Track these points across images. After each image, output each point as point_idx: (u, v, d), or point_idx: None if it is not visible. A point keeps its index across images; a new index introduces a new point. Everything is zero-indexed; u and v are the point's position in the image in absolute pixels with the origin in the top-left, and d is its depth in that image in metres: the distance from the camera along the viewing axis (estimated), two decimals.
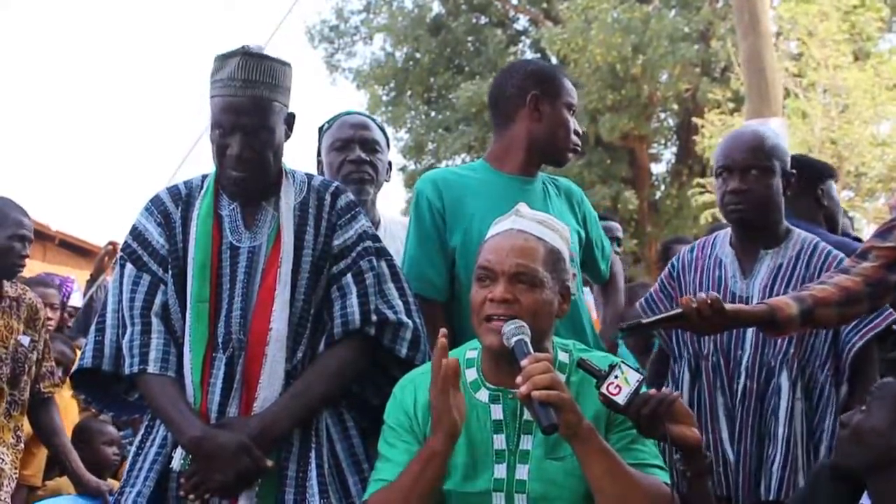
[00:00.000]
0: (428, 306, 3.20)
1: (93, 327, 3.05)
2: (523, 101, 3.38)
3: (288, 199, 2.98)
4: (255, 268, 2.93)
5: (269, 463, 2.79)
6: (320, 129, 3.84)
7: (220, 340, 2.88)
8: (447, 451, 2.50)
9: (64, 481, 4.85)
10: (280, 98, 2.94)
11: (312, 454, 2.87)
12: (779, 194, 3.42)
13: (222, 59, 2.91)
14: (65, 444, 4.67)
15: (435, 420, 2.50)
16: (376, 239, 3.07)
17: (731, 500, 3.33)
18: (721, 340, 3.38)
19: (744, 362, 3.35)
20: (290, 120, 3.01)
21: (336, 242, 2.99)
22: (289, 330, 2.89)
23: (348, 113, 3.82)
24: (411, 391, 2.71)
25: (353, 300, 2.94)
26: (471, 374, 2.70)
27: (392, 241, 3.55)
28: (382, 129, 3.83)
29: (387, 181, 3.83)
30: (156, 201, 3.06)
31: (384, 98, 24.22)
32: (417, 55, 23.68)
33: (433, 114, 23.75)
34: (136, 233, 3.04)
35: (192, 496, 2.79)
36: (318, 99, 41.23)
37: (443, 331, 2.49)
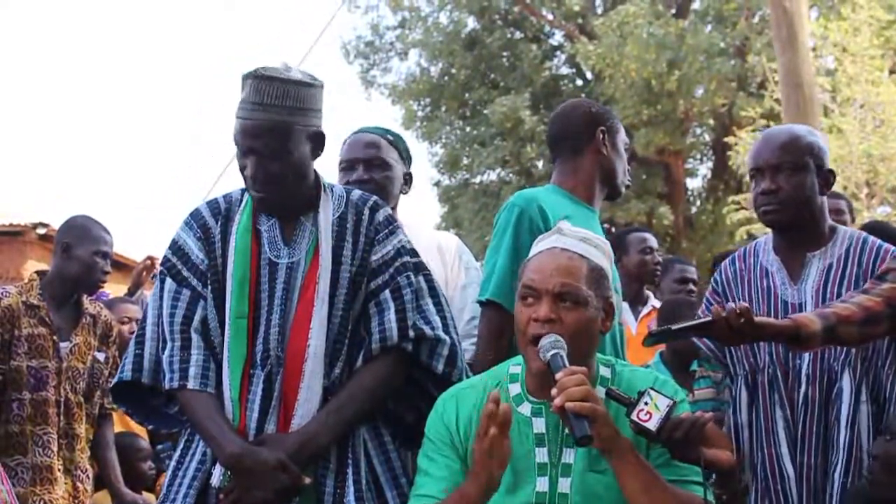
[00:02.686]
0: (503, 318, 3.25)
1: (132, 340, 3.06)
2: (592, 136, 3.62)
3: (326, 214, 2.98)
4: (293, 284, 2.92)
5: (307, 480, 2.78)
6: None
7: (258, 357, 2.88)
8: (484, 498, 2.49)
9: (101, 496, 4.89)
10: (300, 119, 2.89)
11: (350, 470, 2.87)
12: (814, 193, 3.29)
13: (243, 80, 2.90)
14: (112, 460, 4.78)
15: (476, 468, 2.48)
16: (414, 254, 3.06)
17: None
18: (777, 351, 3.26)
19: (804, 370, 3.23)
20: (316, 138, 2.97)
21: (374, 258, 2.98)
22: (326, 346, 2.88)
23: (362, 129, 3.84)
24: (453, 405, 2.71)
25: (391, 316, 2.93)
26: (514, 389, 2.70)
27: None
28: (396, 143, 3.81)
29: (404, 193, 3.83)
30: (196, 215, 3.06)
31: (419, 113, 24.28)
32: (452, 70, 23.73)
33: (468, 129, 23.78)
34: (175, 247, 3.04)
35: None
36: (353, 114, 41.39)
37: (493, 394, 2.45)
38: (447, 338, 2.97)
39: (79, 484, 4.46)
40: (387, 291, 2.95)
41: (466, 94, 23.62)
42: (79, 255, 4.49)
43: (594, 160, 3.62)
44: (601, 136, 3.61)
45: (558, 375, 2.43)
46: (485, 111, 22.47)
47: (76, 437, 4.46)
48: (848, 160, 15.29)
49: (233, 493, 2.78)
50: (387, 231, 3.02)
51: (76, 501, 4.43)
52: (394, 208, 3.73)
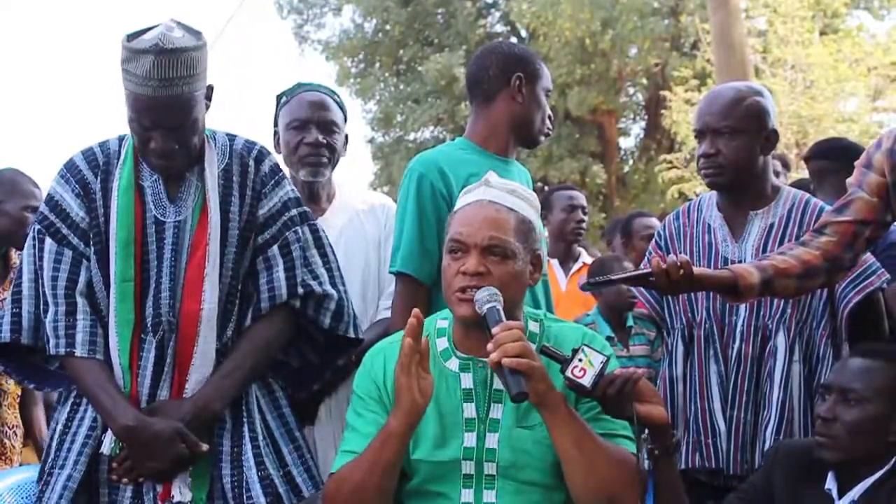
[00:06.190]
0: (415, 288, 3.21)
1: (8, 298, 2.93)
2: (507, 82, 3.39)
3: (212, 170, 2.87)
4: (181, 244, 2.83)
5: (205, 447, 2.75)
6: (279, 97, 3.79)
7: (148, 322, 2.79)
8: (406, 432, 2.49)
9: (27, 452, 4.85)
10: (199, 85, 2.78)
11: (245, 428, 2.82)
12: (754, 155, 3.31)
13: (134, 52, 2.70)
14: (39, 416, 4.72)
15: (396, 398, 2.49)
16: (298, 203, 2.99)
17: (722, 472, 3.26)
18: (714, 306, 3.30)
19: (738, 326, 3.27)
20: (209, 94, 2.86)
21: (261, 211, 2.90)
22: (218, 308, 2.81)
23: (308, 86, 3.74)
24: (381, 361, 2.69)
25: (280, 273, 2.87)
26: (441, 343, 2.69)
27: (343, 211, 3.58)
28: (341, 105, 3.74)
29: (342, 155, 3.76)
30: (72, 168, 2.91)
31: (353, 70, 24.09)
32: (387, 27, 23.55)
33: (402, 86, 23.65)
34: (52, 203, 2.89)
35: (124, 480, 2.77)
36: (286, 70, 41.02)
37: (416, 311, 2.47)
38: (334, 292, 2.94)
39: (6, 441, 4.39)
40: (275, 247, 2.89)
41: (401, 51, 23.47)
42: (8, 210, 4.38)
43: (507, 108, 3.40)
44: (517, 82, 3.38)
45: (495, 330, 2.42)
46: (419, 68, 22.36)
47: (4, 394, 4.38)
48: (778, 121, 15.43)
49: (125, 462, 2.75)
50: (273, 182, 2.94)
51: (4, 458, 4.37)
52: (334, 168, 3.70)
